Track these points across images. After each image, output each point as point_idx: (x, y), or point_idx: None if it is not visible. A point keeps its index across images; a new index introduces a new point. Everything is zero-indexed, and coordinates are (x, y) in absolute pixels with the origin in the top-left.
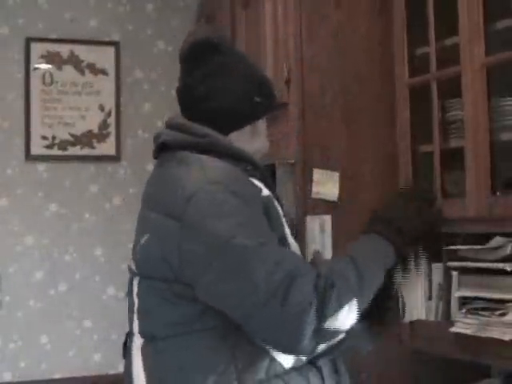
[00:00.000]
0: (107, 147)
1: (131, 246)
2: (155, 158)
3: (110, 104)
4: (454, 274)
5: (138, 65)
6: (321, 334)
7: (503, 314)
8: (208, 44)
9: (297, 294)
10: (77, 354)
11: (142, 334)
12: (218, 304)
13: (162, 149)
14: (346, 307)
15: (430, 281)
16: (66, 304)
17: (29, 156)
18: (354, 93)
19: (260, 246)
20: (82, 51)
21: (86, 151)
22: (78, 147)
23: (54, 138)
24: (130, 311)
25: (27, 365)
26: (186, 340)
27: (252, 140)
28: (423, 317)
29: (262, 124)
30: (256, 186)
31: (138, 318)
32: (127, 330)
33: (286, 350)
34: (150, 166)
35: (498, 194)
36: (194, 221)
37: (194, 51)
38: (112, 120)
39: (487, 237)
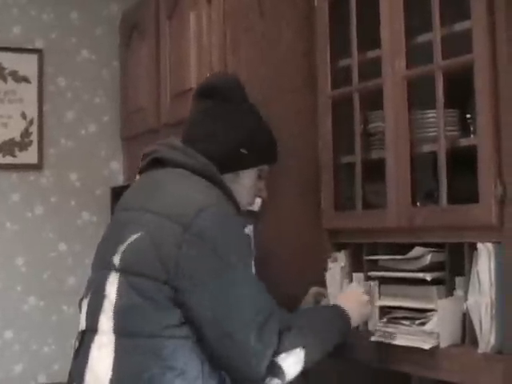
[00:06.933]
0: (29, 156)
1: (53, 255)
2: (141, 171)
3: (32, 112)
4: (375, 283)
5: (61, 73)
6: (273, 369)
7: (423, 323)
8: (210, 89)
9: (268, 336)
10: None
11: (118, 330)
12: (200, 319)
13: (155, 163)
14: (297, 350)
15: None
16: None
17: None
18: (277, 104)
19: (255, 283)
20: (4, 58)
21: (8, 159)
22: (0, 155)
23: None
24: (94, 308)
25: None
26: (167, 342)
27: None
28: None
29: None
30: (242, 223)
31: (116, 314)
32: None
33: (243, 375)
34: (73, 175)
35: (418, 204)
36: (201, 232)
37: (199, 93)
38: (34, 128)
39: (408, 247)
